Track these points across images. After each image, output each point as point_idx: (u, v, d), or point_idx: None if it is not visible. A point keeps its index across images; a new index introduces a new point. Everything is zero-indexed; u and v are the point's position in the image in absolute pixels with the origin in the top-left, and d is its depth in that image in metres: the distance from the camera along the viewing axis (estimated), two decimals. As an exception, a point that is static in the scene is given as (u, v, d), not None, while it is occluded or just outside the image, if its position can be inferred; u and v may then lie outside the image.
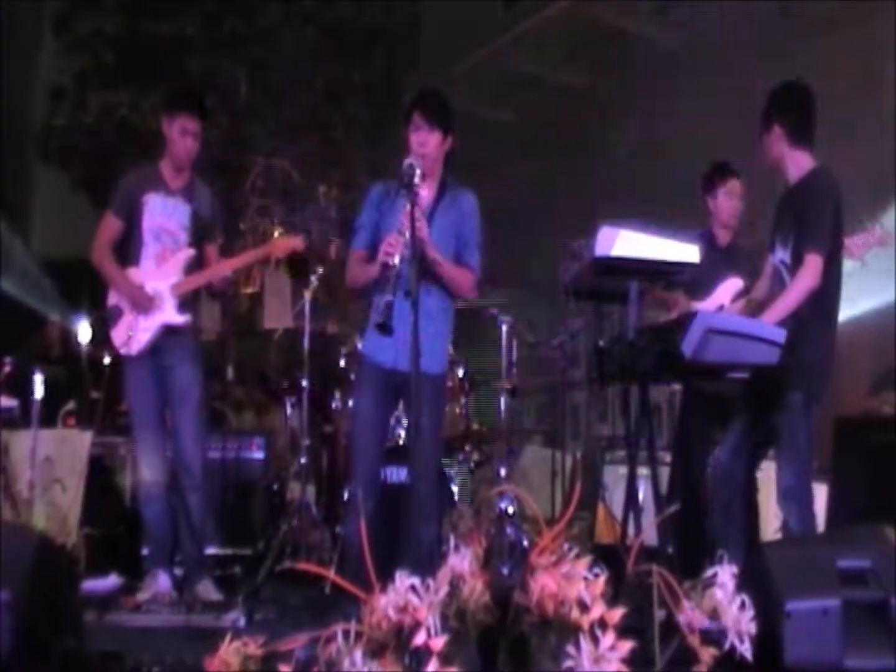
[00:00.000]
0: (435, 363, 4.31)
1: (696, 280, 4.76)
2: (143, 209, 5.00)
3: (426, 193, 4.36)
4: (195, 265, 5.04)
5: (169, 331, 4.95)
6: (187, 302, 5.01)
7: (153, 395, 4.97)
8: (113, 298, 5.05)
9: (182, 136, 4.98)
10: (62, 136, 11.02)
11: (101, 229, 5.10)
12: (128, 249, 5.06)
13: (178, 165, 5.05)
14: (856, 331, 6.44)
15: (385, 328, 3.93)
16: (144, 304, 4.93)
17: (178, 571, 5.08)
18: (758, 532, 4.71)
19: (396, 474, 5.32)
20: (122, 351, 4.98)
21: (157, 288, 4.95)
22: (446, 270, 4.35)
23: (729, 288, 5.12)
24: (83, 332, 7.66)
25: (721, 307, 5.01)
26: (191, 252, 5.01)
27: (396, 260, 4.06)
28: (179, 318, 4.96)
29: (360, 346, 4.57)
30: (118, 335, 4.99)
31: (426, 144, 4.39)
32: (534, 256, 9.56)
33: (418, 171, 4.08)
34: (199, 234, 5.06)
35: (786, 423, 4.20)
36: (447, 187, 4.51)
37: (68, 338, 8.37)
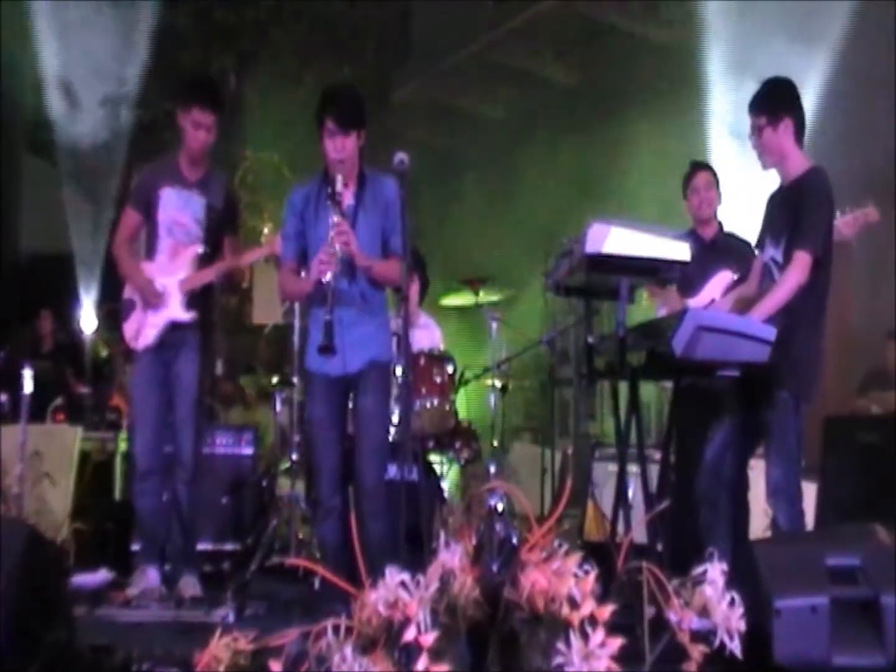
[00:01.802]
0: (384, 352, 4.51)
1: (686, 277, 4.76)
2: (158, 202, 4.97)
3: (348, 195, 4.39)
4: (209, 260, 5.00)
5: (176, 326, 4.94)
6: (195, 298, 4.97)
7: (156, 390, 4.95)
8: (128, 292, 5.05)
9: (195, 128, 4.93)
10: (51, 128, 10.99)
11: (121, 223, 5.13)
12: (147, 243, 5.07)
13: (191, 158, 5.01)
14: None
15: (328, 350, 4.15)
16: (153, 299, 4.91)
17: (167, 567, 5.07)
18: (747, 529, 4.72)
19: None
20: (131, 345, 4.99)
21: (165, 284, 4.93)
22: (376, 271, 4.38)
23: (720, 282, 5.13)
24: (86, 324, 7.62)
25: (712, 301, 5.01)
26: (199, 248, 4.97)
27: (329, 276, 4.20)
28: (185, 315, 4.94)
29: (306, 361, 4.58)
30: (129, 329, 4.99)
31: (344, 150, 4.34)
32: (523, 251, 9.58)
33: (340, 178, 4.21)
34: (215, 228, 5.01)
35: (775, 421, 4.20)
36: (366, 181, 4.48)
37: (62, 331, 8.34)
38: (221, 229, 5.04)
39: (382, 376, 4.49)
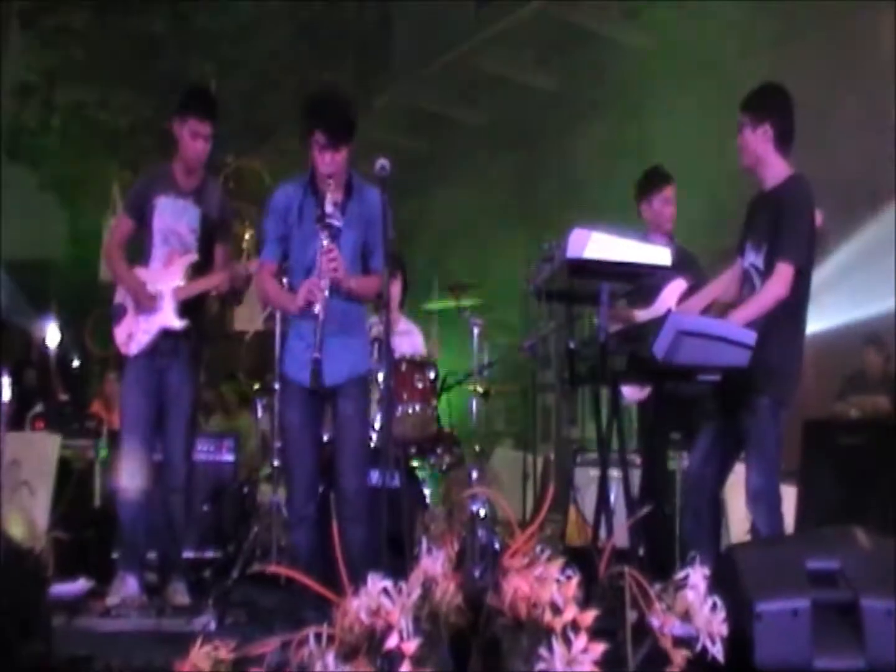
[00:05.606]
0: (361, 364, 4.48)
1: (637, 288, 4.75)
2: (153, 211, 4.97)
3: (336, 214, 4.30)
4: (201, 268, 5.00)
5: (168, 334, 4.93)
6: (188, 307, 4.96)
7: (146, 397, 4.93)
8: (119, 296, 5.04)
9: (193, 138, 4.92)
10: (30, 135, 10.96)
11: (114, 228, 5.24)
12: (143, 251, 5.06)
13: (187, 167, 5.00)
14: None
15: (316, 384, 4.17)
16: (146, 301, 4.90)
17: (148, 575, 5.05)
18: (720, 532, 4.70)
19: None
20: (122, 350, 4.97)
21: (159, 289, 4.93)
22: (359, 290, 4.38)
23: (674, 290, 5.10)
24: (51, 334, 7.57)
25: (669, 311, 4.99)
26: (194, 257, 4.97)
27: (318, 308, 4.17)
28: (178, 323, 4.93)
29: (282, 367, 4.56)
30: (120, 334, 4.98)
31: (334, 163, 4.27)
32: (505, 257, 9.59)
33: (329, 198, 4.16)
34: (209, 237, 5.02)
35: (753, 426, 4.20)
36: (353, 190, 4.41)
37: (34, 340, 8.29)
38: (215, 238, 5.05)
39: (361, 385, 4.48)
